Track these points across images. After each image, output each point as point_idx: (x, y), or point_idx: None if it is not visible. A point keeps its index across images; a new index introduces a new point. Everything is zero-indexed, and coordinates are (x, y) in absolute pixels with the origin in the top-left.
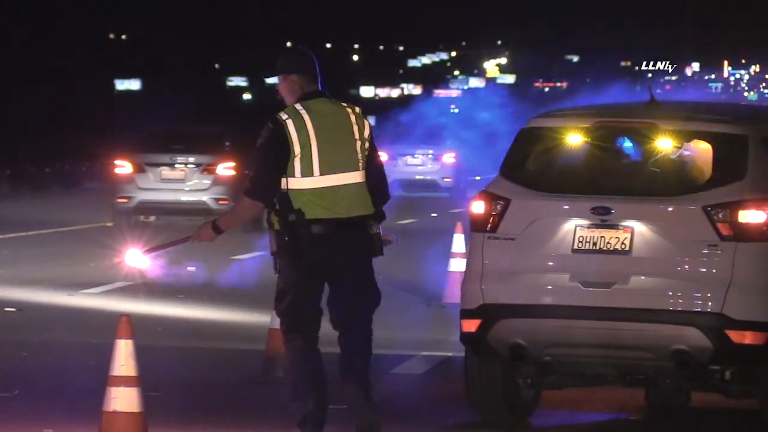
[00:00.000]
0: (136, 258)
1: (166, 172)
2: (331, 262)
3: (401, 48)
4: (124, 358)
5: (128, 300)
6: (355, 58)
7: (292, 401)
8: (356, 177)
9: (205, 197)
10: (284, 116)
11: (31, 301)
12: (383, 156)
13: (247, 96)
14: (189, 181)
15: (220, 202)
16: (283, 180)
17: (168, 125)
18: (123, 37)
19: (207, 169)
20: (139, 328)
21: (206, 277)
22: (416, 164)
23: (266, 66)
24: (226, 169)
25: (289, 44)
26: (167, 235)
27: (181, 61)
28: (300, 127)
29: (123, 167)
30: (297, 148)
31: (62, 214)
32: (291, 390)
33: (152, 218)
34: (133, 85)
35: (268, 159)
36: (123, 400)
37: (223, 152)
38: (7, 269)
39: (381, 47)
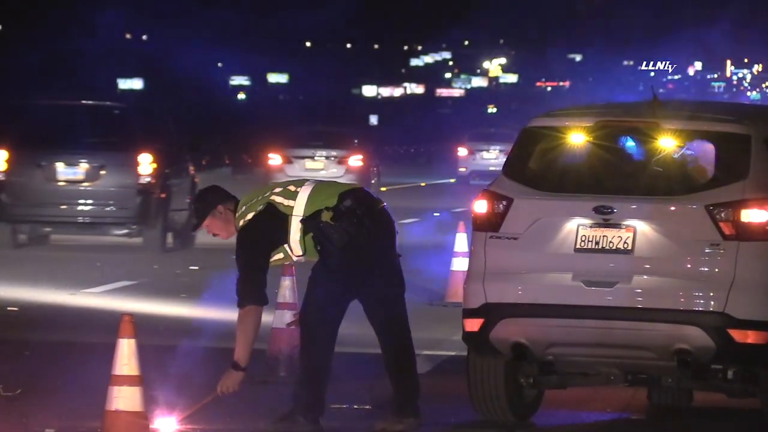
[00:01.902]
0: (168, 426)
1: (308, 163)
2: (381, 233)
3: (404, 47)
4: (126, 358)
5: (131, 299)
6: (357, 57)
7: (306, 390)
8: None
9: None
10: (241, 221)
11: (32, 300)
12: (464, 151)
13: (241, 96)
14: (327, 171)
15: None
16: (294, 220)
17: (309, 126)
18: (128, 36)
19: (341, 160)
20: (142, 327)
21: (208, 277)
22: (491, 158)
23: (266, 66)
24: (355, 160)
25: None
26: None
27: (182, 60)
28: (254, 203)
29: (275, 159)
30: (270, 198)
31: None
32: (311, 379)
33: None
34: (136, 84)
35: (252, 250)
36: (125, 399)
37: (353, 147)
38: (10, 268)
39: (383, 46)
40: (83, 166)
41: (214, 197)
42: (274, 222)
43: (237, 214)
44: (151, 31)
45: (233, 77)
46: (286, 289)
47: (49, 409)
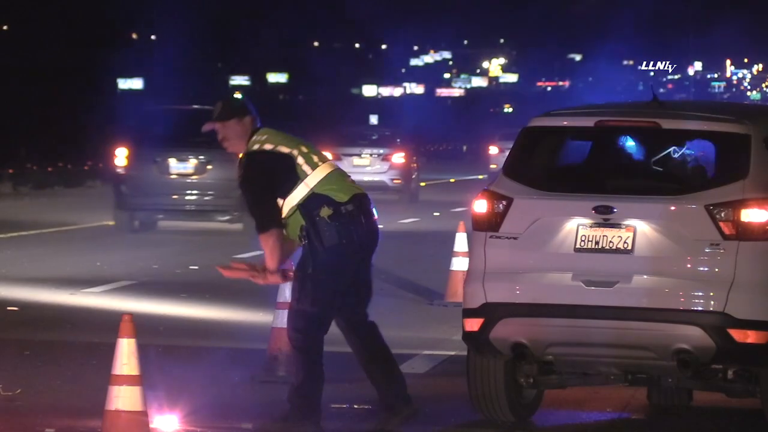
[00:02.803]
0: (167, 422)
1: (356, 160)
2: (368, 244)
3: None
4: (126, 357)
5: (130, 299)
6: (357, 57)
7: (300, 395)
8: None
9: (384, 178)
10: (257, 145)
11: (33, 300)
12: (494, 149)
13: (237, 96)
14: (372, 167)
15: (395, 181)
16: (301, 186)
17: (357, 126)
18: (134, 36)
19: (385, 157)
20: (142, 327)
21: (208, 276)
22: None
23: (267, 66)
24: (398, 158)
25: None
26: None
27: (183, 59)
28: (278, 141)
29: None
30: (289, 150)
31: (64, 214)
32: (303, 384)
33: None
34: (136, 84)
35: (263, 190)
36: (125, 399)
37: (396, 145)
38: (10, 268)
39: (383, 46)
40: (192, 162)
41: (247, 106)
42: (286, 171)
43: (256, 138)
44: (158, 31)
45: (233, 77)
46: (286, 288)
47: (49, 408)
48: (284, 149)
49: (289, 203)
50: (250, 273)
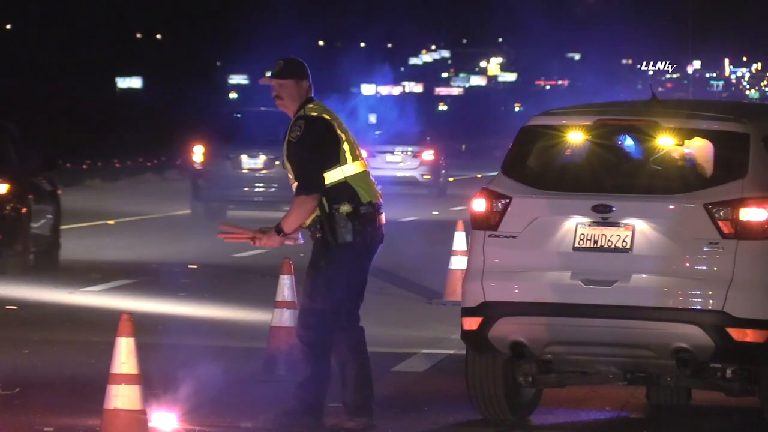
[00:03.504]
0: (166, 421)
1: (389, 156)
2: (375, 248)
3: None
4: (125, 356)
5: (129, 298)
6: (356, 56)
7: (306, 391)
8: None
9: (414, 173)
10: (315, 113)
11: (32, 298)
12: None
13: (233, 95)
14: (404, 163)
15: (424, 176)
16: (338, 170)
17: (388, 125)
18: (138, 35)
19: (416, 154)
20: (140, 326)
21: (207, 276)
22: None
23: (268, 65)
24: (428, 155)
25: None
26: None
27: (182, 58)
28: (333, 117)
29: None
30: (343, 136)
31: (64, 213)
32: (310, 380)
33: (379, 187)
34: (135, 83)
35: (317, 154)
36: (124, 397)
37: (426, 143)
38: (9, 267)
39: (382, 45)
40: (262, 158)
41: (307, 71)
42: (334, 149)
43: (312, 105)
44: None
45: (232, 76)
46: (285, 287)
47: (47, 407)
48: (337, 129)
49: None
50: (249, 236)
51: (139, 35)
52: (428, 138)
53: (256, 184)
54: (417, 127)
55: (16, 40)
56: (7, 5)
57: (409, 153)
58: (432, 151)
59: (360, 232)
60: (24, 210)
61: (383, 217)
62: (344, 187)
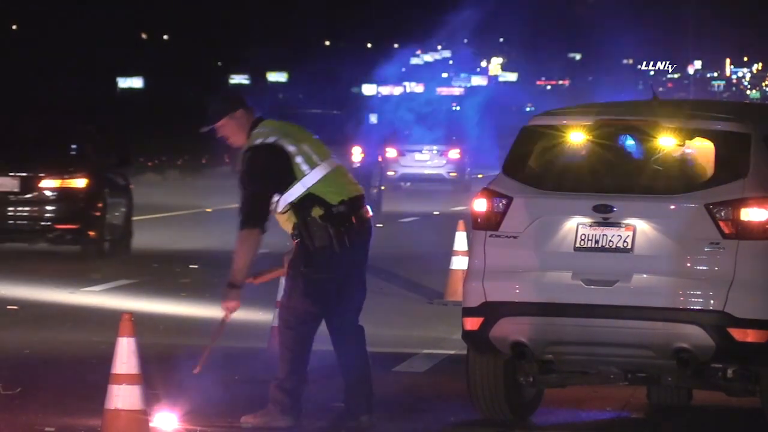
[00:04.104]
0: (167, 421)
1: (417, 155)
2: (361, 244)
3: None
4: (126, 356)
5: (130, 298)
6: (357, 56)
7: (282, 390)
8: (338, 161)
9: (441, 171)
10: (259, 139)
11: (32, 298)
12: None
13: (224, 94)
14: (432, 161)
15: (450, 174)
16: (297, 185)
17: (417, 125)
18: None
19: (443, 153)
20: (141, 326)
21: (208, 275)
22: None
23: (268, 65)
24: (454, 153)
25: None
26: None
27: (183, 58)
28: (282, 133)
29: (391, 152)
30: (291, 148)
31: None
32: (287, 379)
33: (408, 184)
34: (136, 83)
35: (260, 186)
36: (125, 397)
37: (453, 143)
38: (10, 267)
39: (383, 45)
40: None
41: (237, 101)
42: (284, 169)
43: (257, 130)
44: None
45: (232, 76)
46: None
47: (48, 407)
48: (286, 145)
49: (285, 200)
50: (280, 272)
51: (144, 35)
52: (454, 138)
53: None
54: (444, 127)
55: (20, 40)
56: (13, 6)
57: (436, 152)
58: (458, 150)
59: (336, 234)
60: (100, 203)
61: (367, 210)
62: (310, 198)
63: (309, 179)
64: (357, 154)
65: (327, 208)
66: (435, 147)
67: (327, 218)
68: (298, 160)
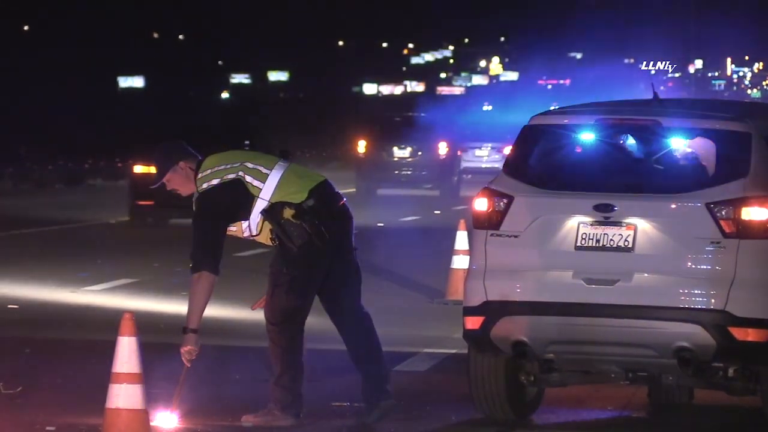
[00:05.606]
0: (167, 420)
1: (476, 152)
2: (342, 230)
3: (404, 45)
4: (127, 355)
5: (131, 297)
6: (357, 55)
7: (279, 387)
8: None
9: (498, 165)
10: (205, 183)
11: (34, 298)
12: None
13: (225, 95)
14: (489, 157)
15: None
16: (258, 202)
17: (476, 124)
18: (155, 35)
19: (499, 149)
20: (142, 325)
21: None
22: None
23: (268, 64)
24: (509, 149)
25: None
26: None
27: (184, 57)
28: (221, 171)
29: (451, 150)
30: (240, 173)
31: (65, 212)
32: (281, 376)
33: (469, 176)
34: (137, 82)
35: (212, 227)
36: (126, 397)
37: (508, 140)
38: (10, 266)
39: (384, 44)
40: (408, 149)
41: (177, 153)
42: (238, 198)
43: (201, 175)
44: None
45: (233, 75)
46: None
47: (49, 406)
48: (230, 176)
49: (253, 221)
50: (183, 375)
51: (156, 35)
52: (509, 135)
53: (404, 169)
54: (501, 125)
55: (31, 40)
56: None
57: (493, 148)
58: (512, 147)
59: (311, 227)
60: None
61: (336, 194)
62: (274, 206)
63: (265, 192)
64: (443, 148)
65: (296, 206)
66: (491, 144)
67: (300, 215)
68: (248, 179)
